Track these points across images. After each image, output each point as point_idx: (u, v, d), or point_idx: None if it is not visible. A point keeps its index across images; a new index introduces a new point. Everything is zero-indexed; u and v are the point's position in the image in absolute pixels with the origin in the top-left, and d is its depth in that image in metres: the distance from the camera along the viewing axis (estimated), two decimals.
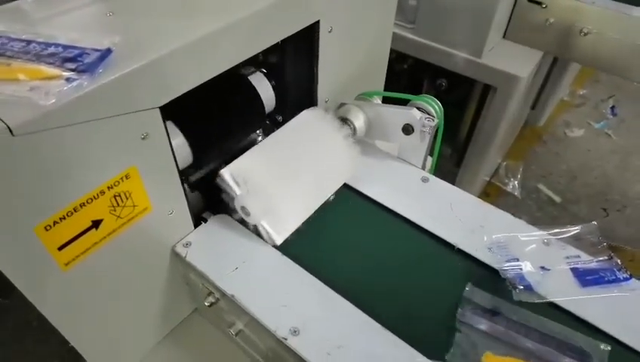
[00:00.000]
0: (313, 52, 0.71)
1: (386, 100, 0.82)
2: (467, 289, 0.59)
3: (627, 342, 0.55)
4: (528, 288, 0.60)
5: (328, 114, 0.74)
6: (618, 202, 2.04)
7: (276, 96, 0.76)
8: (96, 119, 0.46)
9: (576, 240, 0.65)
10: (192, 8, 0.58)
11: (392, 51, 1.70)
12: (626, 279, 0.59)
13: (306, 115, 0.71)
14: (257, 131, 0.78)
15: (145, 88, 0.50)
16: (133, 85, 0.48)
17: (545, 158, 2.22)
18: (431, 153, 0.78)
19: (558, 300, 0.58)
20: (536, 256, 0.62)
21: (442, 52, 1.43)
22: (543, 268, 0.61)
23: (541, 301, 0.58)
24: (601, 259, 0.61)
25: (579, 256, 0.62)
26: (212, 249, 0.64)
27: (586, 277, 0.60)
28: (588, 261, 0.62)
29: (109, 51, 0.47)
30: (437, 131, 0.73)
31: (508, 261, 0.63)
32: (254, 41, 0.61)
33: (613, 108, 2.54)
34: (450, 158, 1.80)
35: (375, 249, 0.66)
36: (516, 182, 1.99)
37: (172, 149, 0.57)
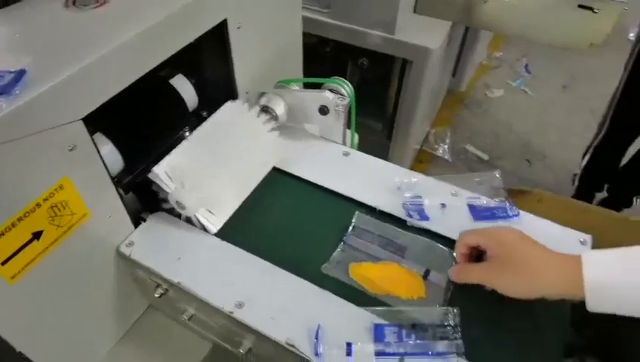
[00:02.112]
0: (226, 48, 0.76)
1: (305, 85, 0.88)
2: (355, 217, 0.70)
3: None
4: (424, 218, 0.69)
5: (250, 104, 0.79)
6: (539, 152, 2.23)
7: (198, 93, 0.80)
8: (20, 138, 0.49)
9: (480, 186, 0.75)
10: (98, 19, 0.61)
11: (312, 36, 1.76)
12: (515, 215, 0.69)
13: (227, 107, 0.76)
14: (184, 128, 0.81)
15: (64, 103, 0.53)
16: (52, 101, 0.51)
17: (470, 121, 2.38)
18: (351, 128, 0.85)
19: (450, 230, 0.68)
20: (440, 197, 0.71)
21: (358, 32, 1.50)
22: (442, 204, 0.71)
23: (433, 229, 0.67)
24: (497, 200, 0.71)
25: (479, 198, 0.72)
26: (154, 245, 0.68)
27: (480, 213, 0.69)
28: (486, 201, 0.71)
29: (22, 72, 0.50)
30: (350, 109, 0.80)
31: (412, 198, 0.72)
32: (165, 46, 0.64)
33: (526, 66, 2.74)
34: (382, 132, 1.90)
35: (308, 221, 0.73)
36: (446, 147, 2.13)
37: (101, 158, 0.60)
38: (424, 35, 1.49)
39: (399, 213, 0.72)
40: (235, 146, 0.72)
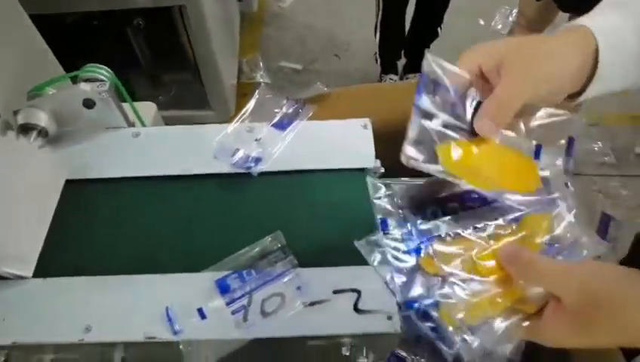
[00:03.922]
0: None
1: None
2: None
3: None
4: (259, 160, 0.73)
5: (4, 128, 0.72)
6: (343, 43, 2.36)
7: None
8: None
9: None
10: None
11: (72, 14, 1.58)
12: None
13: None
14: None
15: None
16: None
17: (274, 37, 2.40)
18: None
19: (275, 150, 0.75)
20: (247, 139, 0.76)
21: None
22: (256, 140, 0.76)
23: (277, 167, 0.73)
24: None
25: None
26: None
27: (283, 124, 0.78)
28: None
29: None
30: (117, 88, 0.77)
31: (233, 155, 0.75)
32: None
33: None
34: (195, 83, 1.85)
35: (131, 217, 0.72)
36: (261, 72, 2.15)
37: None
38: None
39: (216, 168, 0.74)
40: (6, 182, 0.66)
